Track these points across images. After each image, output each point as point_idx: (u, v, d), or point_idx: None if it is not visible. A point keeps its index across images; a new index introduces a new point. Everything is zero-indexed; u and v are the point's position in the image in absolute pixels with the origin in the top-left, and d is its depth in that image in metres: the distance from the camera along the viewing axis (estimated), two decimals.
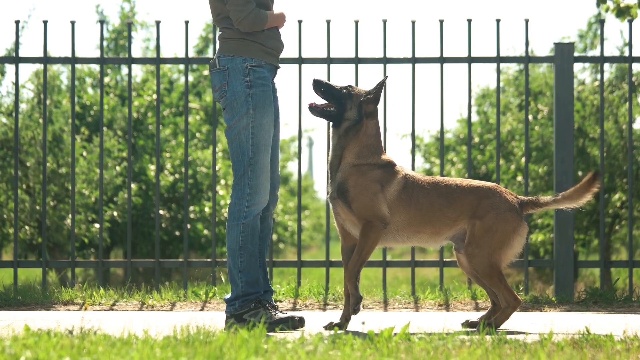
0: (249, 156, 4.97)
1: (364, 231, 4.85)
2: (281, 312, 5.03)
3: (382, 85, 5.00)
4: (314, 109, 5.01)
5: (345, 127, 4.95)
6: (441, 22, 7.14)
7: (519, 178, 14.36)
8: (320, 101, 5.05)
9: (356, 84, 7.08)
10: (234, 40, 5.00)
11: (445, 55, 7.18)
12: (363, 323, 4.92)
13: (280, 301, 6.51)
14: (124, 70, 16.67)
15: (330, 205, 4.99)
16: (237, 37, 4.99)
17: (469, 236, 4.88)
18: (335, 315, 5.68)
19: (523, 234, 4.95)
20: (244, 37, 4.99)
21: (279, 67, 5.14)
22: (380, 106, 5.12)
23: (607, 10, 8.05)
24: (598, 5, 8.05)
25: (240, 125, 4.96)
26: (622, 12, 7.94)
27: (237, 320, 4.96)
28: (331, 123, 5.02)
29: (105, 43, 17.53)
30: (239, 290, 4.98)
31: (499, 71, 7.23)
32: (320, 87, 5.02)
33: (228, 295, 5.04)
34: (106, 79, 16.39)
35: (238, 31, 4.99)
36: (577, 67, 15.80)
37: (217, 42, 5.10)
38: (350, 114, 4.96)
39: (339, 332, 4.71)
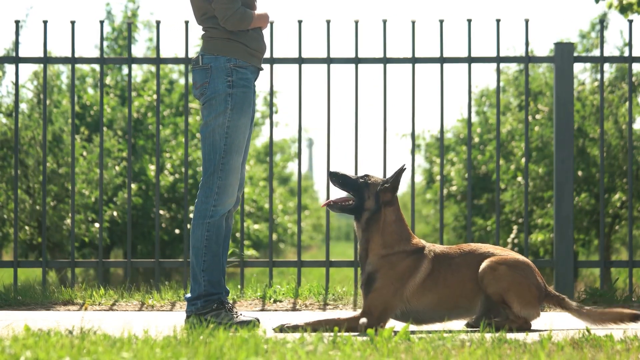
0: (220, 155, 4.95)
1: (359, 319, 4.74)
2: (242, 314, 5.03)
3: (400, 173, 4.93)
4: (333, 207, 4.97)
5: (366, 219, 4.90)
6: (441, 22, 7.14)
7: (519, 178, 14.36)
8: (337, 194, 4.98)
9: (356, 84, 7.08)
10: (220, 40, 4.99)
11: (445, 55, 7.18)
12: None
13: (280, 301, 6.51)
14: (125, 70, 16.67)
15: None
16: (223, 36, 4.99)
17: (491, 267, 4.79)
18: (336, 315, 5.68)
19: (532, 314, 4.84)
20: (229, 37, 4.98)
21: (261, 69, 5.14)
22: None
23: (610, 6, 8.06)
24: (597, 1, 8.05)
25: (216, 123, 4.95)
26: (625, 9, 7.95)
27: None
28: (354, 217, 4.96)
29: (106, 43, 17.52)
30: (201, 289, 4.96)
31: (499, 71, 7.23)
32: (337, 179, 4.97)
33: (189, 295, 5.03)
34: (106, 79, 16.40)
35: (223, 31, 4.98)
36: (577, 67, 15.82)
37: (201, 41, 5.10)
38: (369, 203, 4.90)
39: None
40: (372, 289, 4.81)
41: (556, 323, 5.16)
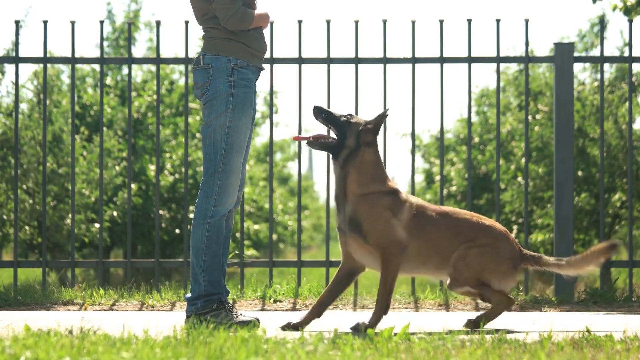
0: (221, 155, 4.95)
1: (385, 262, 4.78)
2: (242, 314, 5.04)
3: (382, 117, 4.95)
4: (313, 143, 4.96)
5: (344, 157, 4.89)
6: (441, 22, 7.14)
7: (519, 178, 14.36)
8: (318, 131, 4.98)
9: (356, 84, 7.08)
10: (220, 40, 4.99)
11: (445, 55, 7.18)
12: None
13: (280, 301, 6.51)
14: (125, 70, 16.67)
15: (339, 236, 4.95)
16: (223, 37, 4.99)
17: (461, 255, 4.81)
18: (335, 316, 5.68)
19: (510, 284, 4.88)
20: (230, 37, 4.98)
21: (262, 69, 5.14)
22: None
23: (614, 8, 8.05)
24: (594, 1, 8.05)
25: (217, 123, 4.95)
26: (630, 10, 7.94)
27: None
28: (331, 155, 4.97)
29: (107, 43, 17.53)
30: (202, 289, 4.96)
31: (499, 71, 7.23)
32: (321, 113, 4.98)
33: (189, 295, 5.03)
34: (106, 79, 16.40)
35: (224, 31, 4.98)
36: (577, 67, 15.81)
37: (202, 41, 5.10)
38: (349, 142, 4.90)
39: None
40: (364, 231, 4.80)
41: (556, 323, 5.16)
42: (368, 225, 4.80)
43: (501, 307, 4.88)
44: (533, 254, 4.95)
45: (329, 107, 7.08)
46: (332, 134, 5.04)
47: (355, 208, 4.84)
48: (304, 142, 5.12)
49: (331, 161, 4.97)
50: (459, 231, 4.87)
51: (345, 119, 4.96)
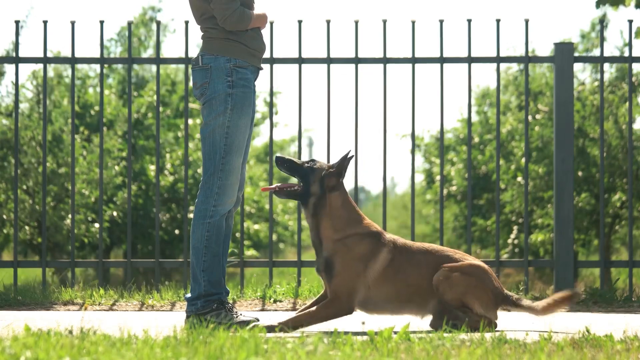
0: (220, 155, 4.95)
1: (329, 303, 4.78)
2: (242, 314, 5.04)
3: (345, 158, 4.93)
4: (279, 192, 4.96)
5: (313, 204, 4.90)
6: (441, 22, 7.14)
7: (519, 178, 14.36)
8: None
9: (356, 84, 7.08)
10: (219, 40, 4.99)
11: (445, 55, 7.18)
12: (363, 323, 4.91)
13: (280, 301, 6.51)
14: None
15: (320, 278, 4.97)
16: (222, 37, 4.99)
17: (445, 276, 4.77)
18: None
19: (491, 316, 4.81)
20: (229, 37, 4.98)
21: (261, 69, 5.14)
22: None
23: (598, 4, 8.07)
24: (598, 6, 8.06)
25: (216, 123, 4.95)
26: (617, 2, 7.95)
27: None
28: (301, 203, 4.97)
29: (110, 43, 17.57)
30: (201, 289, 4.97)
31: (499, 71, 7.23)
32: (283, 163, 4.98)
33: (189, 295, 5.03)
34: (107, 79, 16.41)
35: (223, 31, 4.98)
36: (577, 67, 15.81)
37: (201, 41, 5.10)
38: (314, 188, 4.90)
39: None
40: (334, 274, 4.81)
41: (556, 323, 5.16)
42: (337, 271, 4.80)
43: (478, 325, 4.75)
44: (513, 295, 4.89)
45: (328, 109, 7.09)
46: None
47: (332, 253, 4.84)
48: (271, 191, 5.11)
49: (302, 208, 4.97)
50: (439, 268, 4.83)
51: (308, 165, 4.95)
